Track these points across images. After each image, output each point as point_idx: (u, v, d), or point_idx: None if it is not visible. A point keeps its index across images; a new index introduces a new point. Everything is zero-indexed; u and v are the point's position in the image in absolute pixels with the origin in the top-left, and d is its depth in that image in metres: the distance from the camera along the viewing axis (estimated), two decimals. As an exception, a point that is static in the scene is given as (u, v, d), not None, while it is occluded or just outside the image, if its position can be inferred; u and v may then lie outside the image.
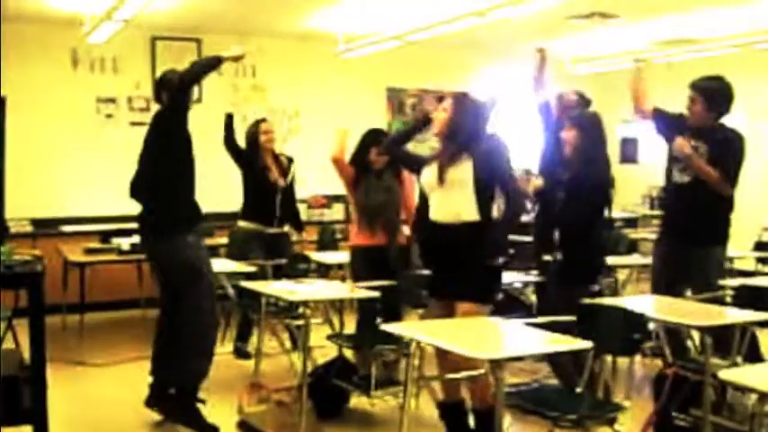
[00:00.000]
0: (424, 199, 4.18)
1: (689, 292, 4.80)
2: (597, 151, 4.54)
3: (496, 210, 4.05)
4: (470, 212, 3.91)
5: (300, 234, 6.75)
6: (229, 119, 6.32)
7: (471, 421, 4.02)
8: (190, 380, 4.40)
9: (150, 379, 4.59)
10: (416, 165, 4.29)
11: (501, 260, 3.96)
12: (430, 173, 4.07)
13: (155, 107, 4.63)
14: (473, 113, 4.05)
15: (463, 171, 3.94)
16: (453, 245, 3.96)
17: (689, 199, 4.78)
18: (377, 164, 5.28)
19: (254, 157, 6.29)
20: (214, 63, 4.45)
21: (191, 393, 4.40)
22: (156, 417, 4.55)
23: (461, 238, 3.93)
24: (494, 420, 3.23)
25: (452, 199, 3.96)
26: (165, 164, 4.45)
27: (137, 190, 4.73)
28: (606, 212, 4.66)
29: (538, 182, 4.88)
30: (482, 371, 3.67)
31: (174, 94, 4.37)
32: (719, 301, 4.56)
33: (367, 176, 5.30)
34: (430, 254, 4.20)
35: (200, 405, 4.41)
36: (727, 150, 4.64)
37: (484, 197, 3.92)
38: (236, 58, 4.55)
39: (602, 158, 4.58)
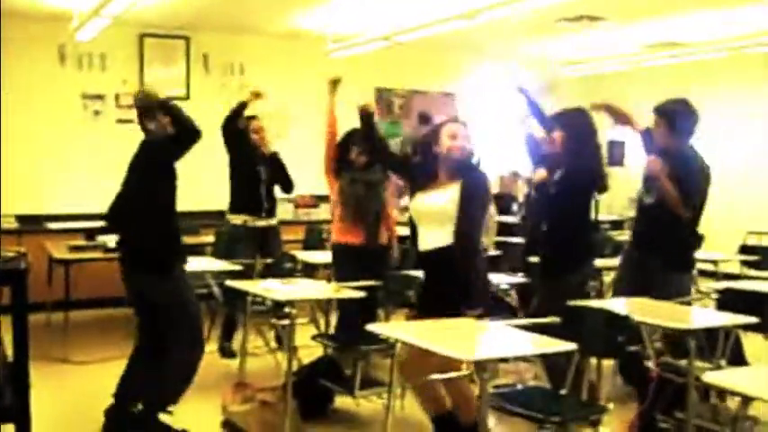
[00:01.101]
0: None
1: None
2: (583, 146, 4.56)
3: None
4: (447, 239, 3.86)
5: (290, 193, 6.69)
6: (243, 107, 6.22)
7: None
8: (168, 401, 4.27)
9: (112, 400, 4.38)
10: (399, 166, 4.49)
11: (480, 311, 3.83)
12: (421, 201, 3.99)
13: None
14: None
15: (450, 197, 3.88)
16: (436, 270, 3.94)
17: (652, 220, 4.82)
18: (357, 163, 5.32)
19: (241, 141, 6.28)
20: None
21: (161, 410, 4.26)
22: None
23: (442, 262, 3.89)
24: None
25: (438, 225, 3.90)
26: (155, 196, 4.27)
27: (117, 218, 4.54)
28: (593, 215, 4.68)
29: (541, 173, 4.81)
30: (462, 372, 3.66)
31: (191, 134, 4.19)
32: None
33: (348, 170, 5.31)
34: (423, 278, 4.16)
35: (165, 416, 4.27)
36: (687, 175, 4.65)
37: (463, 224, 3.86)
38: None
39: (589, 152, 4.60)
